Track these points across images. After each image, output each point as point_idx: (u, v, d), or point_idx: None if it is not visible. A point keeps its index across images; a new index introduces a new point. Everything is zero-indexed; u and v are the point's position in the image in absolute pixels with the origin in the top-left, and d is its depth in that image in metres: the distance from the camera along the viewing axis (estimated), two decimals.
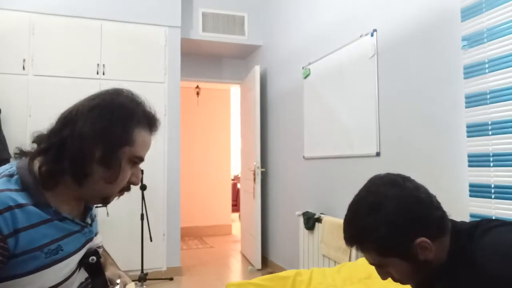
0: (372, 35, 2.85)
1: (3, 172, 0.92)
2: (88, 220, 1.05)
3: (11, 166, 0.94)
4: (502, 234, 0.95)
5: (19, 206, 0.86)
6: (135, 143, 0.96)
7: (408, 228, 0.96)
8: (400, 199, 0.97)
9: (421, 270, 0.99)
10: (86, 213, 1.04)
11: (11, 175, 0.91)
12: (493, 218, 1.90)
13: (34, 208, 0.89)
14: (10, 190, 0.87)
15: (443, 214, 1.00)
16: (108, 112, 0.94)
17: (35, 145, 0.97)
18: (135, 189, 4.14)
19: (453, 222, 1.04)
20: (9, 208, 0.84)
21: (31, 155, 0.94)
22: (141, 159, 0.99)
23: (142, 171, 1.03)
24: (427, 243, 0.96)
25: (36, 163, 0.93)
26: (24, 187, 0.90)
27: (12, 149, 3.57)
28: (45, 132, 0.97)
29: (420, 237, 0.95)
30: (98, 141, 0.91)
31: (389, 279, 1.07)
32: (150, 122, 1.00)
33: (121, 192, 1.00)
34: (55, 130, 0.94)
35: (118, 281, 1.08)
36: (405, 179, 1.02)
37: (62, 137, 0.92)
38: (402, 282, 1.04)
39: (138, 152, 0.97)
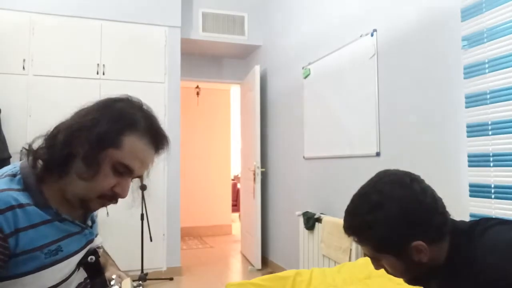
0: (372, 35, 2.85)
1: (6, 172, 0.93)
2: (89, 222, 1.05)
3: (14, 166, 0.95)
4: (501, 232, 0.95)
5: (21, 206, 0.86)
6: (123, 148, 0.91)
7: (406, 231, 0.96)
8: (403, 201, 0.96)
9: (413, 269, 1.00)
10: (86, 215, 1.05)
11: (14, 175, 0.92)
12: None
13: (35, 208, 0.89)
14: (12, 189, 0.88)
15: (445, 220, 1.00)
16: (102, 110, 0.93)
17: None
18: (135, 190, 4.13)
19: (453, 221, 1.04)
20: (11, 208, 0.84)
21: (36, 155, 0.95)
22: (129, 169, 0.93)
23: None
24: (423, 247, 0.96)
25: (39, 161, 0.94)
26: (26, 187, 0.90)
27: (12, 149, 3.59)
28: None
29: (417, 240, 0.96)
30: (83, 136, 0.90)
31: (389, 279, 1.08)
32: (153, 135, 0.96)
33: (102, 199, 0.94)
34: (56, 125, 0.95)
35: (113, 276, 1.08)
36: (413, 180, 1.01)
37: (56, 131, 0.93)
38: (395, 276, 1.06)
39: (125, 159, 0.92)
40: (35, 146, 0.94)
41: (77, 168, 0.90)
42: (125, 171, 0.93)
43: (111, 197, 0.95)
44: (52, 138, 0.92)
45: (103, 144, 0.90)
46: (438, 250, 0.99)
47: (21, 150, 0.96)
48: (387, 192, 0.98)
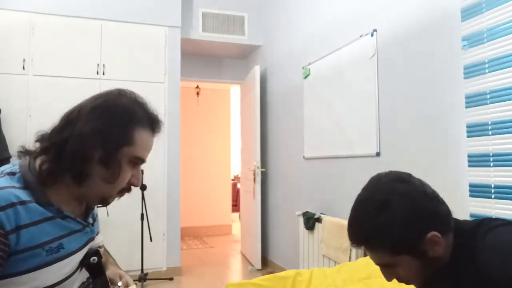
0: (372, 35, 2.85)
1: (4, 170, 0.93)
2: (90, 220, 1.06)
3: (13, 165, 0.96)
4: (504, 234, 0.94)
5: (22, 203, 0.87)
6: (135, 144, 0.96)
7: (419, 224, 0.94)
8: (409, 195, 0.96)
9: (429, 267, 0.98)
10: (87, 212, 1.05)
11: (13, 173, 0.92)
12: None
13: (36, 206, 0.89)
14: (13, 187, 0.88)
15: (448, 209, 1.00)
16: (108, 112, 0.95)
17: (38, 144, 0.97)
18: (135, 189, 4.13)
19: (456, 220, 1.03)
20: (12, 205, 0.85)
21: (33, 154, 0.95)
22: (142, 160, 0.99)
23: (142, 171, 1.04)
24: (438, 237, 0.95)
25: (38, 162, 0.94)
26: (26, 185, 0.91)
27: (12, 149, 3.59)
28: (48, 131, 0.97)
29: (430, 232, 0.94)
30: (98, 142, 0.91)
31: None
32: (152, 123, 1.00)
33: (121, 193, 1.00)
34: (56, 129, 0.95)
35: (119, 284, 1.08)
36: (409, 175, 1.02)
37: (63, 137, 0.92)
38: (408, 282, 1.03)
39: (138, 152, 0.97)
40: (37, 148, 0.95)
41: (99, 173, 0.93)
42: (138, 163, 0.99)
43: (128, 189, 1.01)
44: (60, 146, 0.92)
45: (119, 145, 0.94)
46: (447, 243, 0.98)
47: (19, 152, 0.97)
48: (391, 189, 0.97)
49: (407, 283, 1.04)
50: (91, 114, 0.94)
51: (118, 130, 0.94)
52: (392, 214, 0.94)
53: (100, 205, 1.04)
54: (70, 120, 0.94)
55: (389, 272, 1.01)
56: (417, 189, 0.97)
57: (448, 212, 1.00)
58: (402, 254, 0.96)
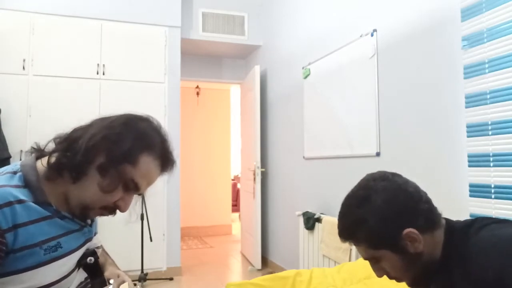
0: (372, 35, 2.85)
1: (6, 169, 0.95)
2: (88, 221, 1.06)
3: (15, 165, 0.97)
4: (495, 230, 0.95)
5: (20, 201, 0.87)
6: (138, 167, 0.95)
7: (395, 219, 0.98)
8: (387, 191, 1.01)
9: (412, 263, 1.00)
10: None
11: (14, 172, 0.93)
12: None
13: (34, 205, 0.90)
14: (11, 186, 0.89)
15: (431, 208, 1.03)
16: (126, 128, 0.96)
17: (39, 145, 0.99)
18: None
19: (448, 220, 1.05)
20: (9, 204, 0.85)
21: (41, 153, 0.97)
22: (137, 188, 0.97)
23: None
24: (415, 234, 0.97)
25: (43, 161, 0.95)
26: (26, 184, 0.91)
27: (12, 149, 3.59)
28: (68, 132, 0.99)
29: (408, 228, 0.97)
30: (105, 148, 0.93)
31: (389, 281, 1.07)
32: (164, 159, 1.00)
33: (103, 210, 0.97)
34: (76, 129, 0.97)
35: (111, 281, 1.08)
36: (394, 175, 1.06)
37: (77, 135, 0.95)
38: (398, 279, 1.05)
39: (137, 177, 0.96)
40: (48, 147, 0.97)
41: (94, 178, 0.93)
42: (132, 188, 0.97)
43: (112, 210, 0.98)
44: (72, 142, 0.94)
45: (122, 160, 0.94)
46: (431, 240, 1.00)
47: (31, 147, 0.98)
48: (372, 186, 1.03)
49: (397, 280, 1.06)
50: (111, 123, 0.96)
51: (127, 146, 0.94)
52: (370, 209, 1.00)
53: (79, 217, 1.01)
54: (90, 124, 0.98)
55: (376, 267, 1.05)
56: (397, 186, 1.02)
57: (430, 210, 1.02)
58: (382, 248, 1.00)
